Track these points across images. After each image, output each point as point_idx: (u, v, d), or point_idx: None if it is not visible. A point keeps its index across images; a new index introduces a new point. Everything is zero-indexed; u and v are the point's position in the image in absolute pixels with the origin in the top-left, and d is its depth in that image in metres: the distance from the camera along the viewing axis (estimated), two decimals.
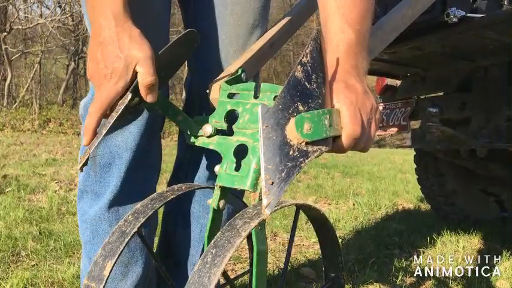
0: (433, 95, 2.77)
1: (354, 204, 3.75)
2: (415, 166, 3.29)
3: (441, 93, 2.74)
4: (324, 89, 0.73)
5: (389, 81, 2.92)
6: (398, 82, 2.90)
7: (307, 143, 0.67)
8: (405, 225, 3.00)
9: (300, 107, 0.68)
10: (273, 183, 0.64)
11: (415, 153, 3.28)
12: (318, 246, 2.61)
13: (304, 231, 2.76)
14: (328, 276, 0.96)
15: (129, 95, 0.83)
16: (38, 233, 2.40)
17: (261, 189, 0.81)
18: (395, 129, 2.75)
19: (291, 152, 0.66)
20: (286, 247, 2.49)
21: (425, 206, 3.74)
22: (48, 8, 15.56)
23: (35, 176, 4.28)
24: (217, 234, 0.71)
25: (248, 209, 0.76)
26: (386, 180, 5.41)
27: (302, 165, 0.67)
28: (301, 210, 0.88)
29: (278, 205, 0.77)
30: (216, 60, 1.09)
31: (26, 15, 13.99)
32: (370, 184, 4.94)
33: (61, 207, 3.06)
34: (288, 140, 0.66)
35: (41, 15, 14.79)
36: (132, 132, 0.99)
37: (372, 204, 3.71)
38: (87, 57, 0.79)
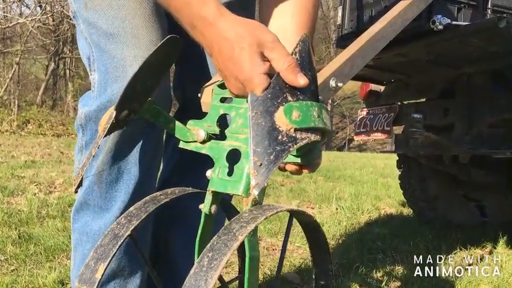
0: (416, 101, 2.80)
1: (336, 209, 3.76)
2: (397, 171, 3.32)
3: (423, 100, 2.78)
4: (313, 86, 0.75)
5: (374, 86, 2.95)
6: (382, 88, 2.93)
7: (296, 130, 0.70)
8: (388, 230, 3.02)
9: (289, 98, 0.71)
10: (261, 164, 0.67)
11: (397, 158, 3.31)
12: (302, 250, 2.61)
13: (290, 236, 2.75)
14: (318, 284, 0.96)
15: (114, 112, 0.83)
16: (18, 237, 2.35)
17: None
18: (378, 134, 2.78)
19: (279, 137, 0.69)
20: (271, 251, 2.49)
21: (407, 211, 3.77)
22: (28, 8, 15.34)
23: (14, 178, 4.19)
24: (214, 237, 0.71)
25: (244, 213, 0.76)
26: (368, 184, 5.45)
27: (291, 149, 0.69)
28: (295, 216, 0.88)
29: (274, 210, 0.77)
30: (212, 65, 1.08)
31: (5, 14, 13.76)
32: (353, 188, 4.97)
33: (41, 210, 3.00)
34: (277, 126, 0.69)
35: (20, 15, 14.57)
36: (141, 146, 0.98)
37: (355, 209, 3.73)
38: (227, 65, 0.72)
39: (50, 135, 10.87)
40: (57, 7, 14.02)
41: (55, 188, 4.00)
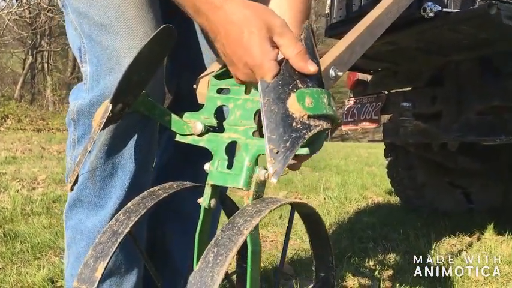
0: (403, 89, 2.81)
1: (324, 198, 3.77)
2: (381, 159, 3.32)
3: (410, 88, 2.78)
4: (318, 74, 0.74)
5: (360, 75, 2.94)
6: (369, 77, 2.92)
7: (309, 117, 0.69)
8: (377, 219, 3.04)
9: (299, 84, 0.71)
10: (277, 152, 0.65)
11: (384, 147, 3.32)
12: (293, 241, 2.59)
13: (279, 227, 2.75)
14: (318, 276, 0.95)
15: (110, 106, 0.80)
16: (3, 235, 2.30)
17: (255, 185, 0.80)
18: (366, 124, 2.78)
19: (294, 124, 0.68)
20: (262, 243, 2.47)
21: (394, 199, 3.80)
22: (4, 0, 14.96)
23: None
24: (218, 232, 0.69)
25: (247, 207, 0.74)
26: (353, 173, 5.47)
27: (306, 136, 0.68)
28: (296, 209, 0.86)
29: (277, 203, 0.75)
30: (207, 56, 1.06)
31: None
32: (339, 178, 4.99)
33: (25, 207, 2.94)
34: (290, 113, 0.68)
35: None
36: (136, 140, 0.94)
37: (342, 198, 3.74)
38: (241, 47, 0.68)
39: (30, 130, 10.68)
40: None
41: (38, 184, 3.92)
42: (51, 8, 13.81)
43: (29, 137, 8.79)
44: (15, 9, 12.89)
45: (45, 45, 17.87)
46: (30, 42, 16.10)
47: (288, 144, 0.66)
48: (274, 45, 0.69)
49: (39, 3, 13.26)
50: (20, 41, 16.26)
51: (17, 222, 2.59)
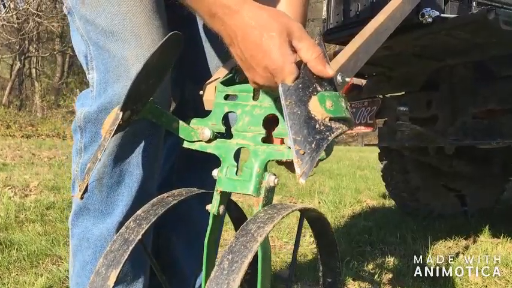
0: (397, 94, 2.83)
1: (319, 202, 3.77)
2: (373, 163, 3.33)
3: (403, 92, 2.80)
4: (333, 78, 0.76)
5: (355, 80, 2.96)
6: (363, 81, 2.94)
7: (330, 119, 0.70)
8: (373, 222, 3.04)
9: (318, 88, 0.72)
10: (304, 153, 0.66)
11: (379, 150, 3.33)
12: (290, 246, 2.58)
13: (276, 232, 2.74)
14: (325, 282, 0.95)
15: (120, 114, 0.80)
16: None
17: (265, 192, 0.80)
18: (362, 128, 2.79)
19: (317, 126, 0.69)
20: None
21: (388, 202, 3.81)
22: None
23: None
24: (231, 239, 0.69)
25: (259, 213, 0.74)
26: (347, 177, 5.49)
27: (329, 138, 0.69)
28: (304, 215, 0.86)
29: (289, 209, 0.75)
30: (212, 63, 1.06)
31: None
32: (332, 182, 5.00)
33: (19, 214, 2.90)
34: (313, 115, 0.69)
35: None
36: (143, 147, 0.94)
37: (337, 202, 3.74)
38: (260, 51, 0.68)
39: (19, 136, 10.57)
40: (22, 5, 13.62)
41: (30, 190, 3.88)
42: (40, 13, 13.72)
43: (18, 143, 8.70)
44: (3, 15, 12.79)
45: (33, 51, 17.74)
46: (18, 47, 15.97)
47: (313, 145, 0.66)
48: (293, 49, 0.69)
49: (28, 8, 13.17)
50: (7, 46, 16.12)
51: (12, 230, 2.55)
